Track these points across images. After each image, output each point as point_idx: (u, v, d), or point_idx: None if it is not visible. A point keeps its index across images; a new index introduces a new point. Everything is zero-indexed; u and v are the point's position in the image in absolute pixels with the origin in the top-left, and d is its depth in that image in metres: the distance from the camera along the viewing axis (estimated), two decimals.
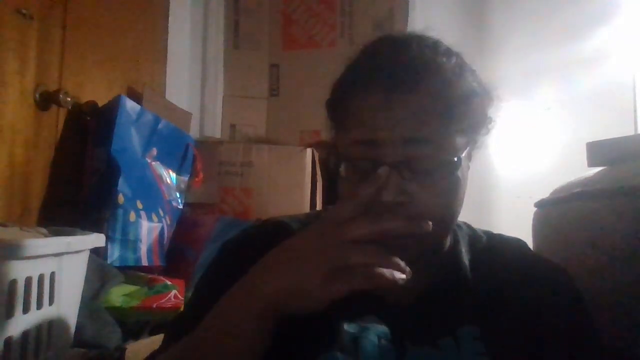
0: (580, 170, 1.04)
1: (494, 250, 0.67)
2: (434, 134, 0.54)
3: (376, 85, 0.55)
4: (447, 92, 0.55)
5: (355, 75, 0.59)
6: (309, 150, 1.65)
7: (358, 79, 0.58)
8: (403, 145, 0.54)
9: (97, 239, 0.86)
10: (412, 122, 0.54)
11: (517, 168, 1.84)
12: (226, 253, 0.70)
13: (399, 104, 0.54)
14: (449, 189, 0.57)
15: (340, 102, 0.60)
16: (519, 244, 0.69)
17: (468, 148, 0.59)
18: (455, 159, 0.55)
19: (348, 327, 0.59)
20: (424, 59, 0.56)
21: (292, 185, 1.61)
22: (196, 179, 1.56)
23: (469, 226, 0.71)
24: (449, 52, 0.59)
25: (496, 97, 0.61)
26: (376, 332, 0.59)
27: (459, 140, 0.57)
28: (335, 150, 0.61)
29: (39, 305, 0.71)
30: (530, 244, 0.72)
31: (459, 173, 0.57)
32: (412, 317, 0.61)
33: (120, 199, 1.17)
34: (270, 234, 0.68)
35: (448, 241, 0.65)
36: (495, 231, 0.72)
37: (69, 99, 1.16)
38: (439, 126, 0.55)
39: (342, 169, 0.58)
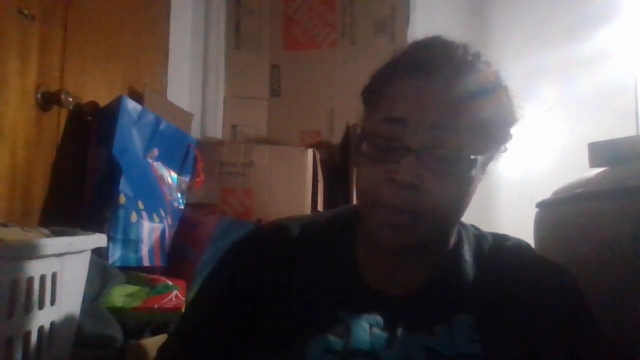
0: (582, 170, 1.04)
1: (499, 250, 0.68)
2: (460, 128, 0.57)
3: (418, 72, 0.58)
4: (481, 95, 0.58)
5: (400, 63, 0.62)
6: (310, 151, 1.65)
7: (402, 65, 0.61)
8: (428, 130, 0.56)
9: (98, 239, 0.86)
10: (442, 111, 0.56)
11: (518, 168, 1.84)
12: (228, 259, 0.71)
13: (435, 92, 0.57)
14: (460, 185, 0.58)
15: (379, 86, 0.62)
16: (523, 245, 0.69)
17: (485, 157, 0.61)
18: (473, 157, 0.57)
19: (341, 315, 0.62)
20: (466, 60, 0.60)
21: (293, 186, 1.61)
22: (197, 180, 1.56)
23: (475, 227, 0.72)
24: (488, 64, 0.62)
25: (521, 117, 0.64)
26: (368, 320, 0.62)
27: (481, 144, 0.59)
28: (362, 130, 0.63)
29: (41, 306, 0.71)
30: (531, 244, 0.73)
31: (473, 173, 0.58)
32: (410, 307, 0.63)
33: (122, 199, 1.17)
34: (271, 238, 0.69)
35: (452, 240, 0.66)
36: (496, 231, 0.72)
37: (70, 99, 1.16)
38: (467, 123, 0.57)
39: (364, 144, 0.60)
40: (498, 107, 0.61)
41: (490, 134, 0.60)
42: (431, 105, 0.56)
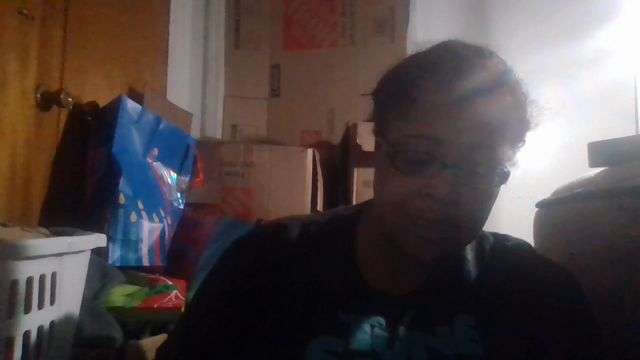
0: (582, 170, 1.04)
1: (500, 249, 0.68)
2: (497, 145, 0.57)
3: (453, 84, 0.56)
4: (515, 108, 0.59)
5: (429, 69, 0.59)
6: (309, 151, 1.65)
7: (433, 73, 0.58)
8: (466, 148, 0.56)
9: (98, 239, 0.86)
10: (481, 128, 0.56)
11: (518, 168, 1.83)
12: (227, 258, 0.71)
13: (473, 108, 0.56)
14: (490, 198, 0.59)
15: (407, 93, 0.59)
16: (524, 245, 0.70)
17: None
18: (507, 170, 0.58)
19: (342, 316, 0.62)
20: (500, 71, 0.59)
21: (293, 186, 1.61)
22: (197, 180, 1.56)
23: None
24: (512, 70, 0.62)
25: (536, 124, 0.64)
26: (369, 321, 0.62)
27: (510, 155, 0.60)
28: (386, 139, 0.61)
29: (40, 306, 0.71)
30: (531, 244, 0.73)
31: (503, 186, 0.59)
32: (411, 307, 0.63)
33: (122, 199, 1.17)
34: (271, 237, 0.69)
35: None
36: (496, 231, 0.72)
37: (70, 100, 1.15)
38: (502, 138, 0.57)
39: (396, 159, 0.58)
40: (525, 116, 0.61)
41: (515, 141, 0.61)
42: (469, 123, 0.56)
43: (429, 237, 0.57)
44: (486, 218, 0.61)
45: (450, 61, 0.59)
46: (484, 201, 0.58)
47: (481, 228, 0.63)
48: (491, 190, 0.59)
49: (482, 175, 0.57)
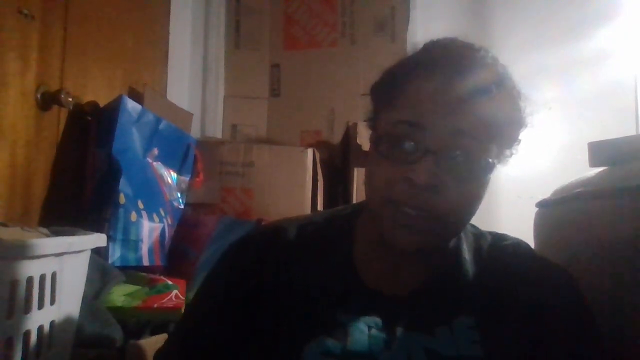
0: (582, 170, 1.04)
1: (498, 249, 0.68)
2: (481, 134, 0.56)
3: (439, 72, 0.57)
4: (501, 99, 0.58)
5: (418, 62, 0.60)
6: (310, 150, 1.65)
7: (421, 64, 0.59)
8: (449, 134, 0.56)
9: (98, 239, 0.86)
10: (464, 116, 0.56)
11: (518, 168, 1.83)
12: (225, 260, 0.71)
13: (457, 95, 0.56)
14: (475, 188, 0.58)
15: (396, 83, 0.60)
16: (522, 245, 0.69)
17: (499, 160, 0.61)
18: (491, 161, 0.58)
19: (340, 317, 0.62)
20: (486, 63, 0.59)
21: (293, 186, 1.61)
22: (197, 179, 1.56)
23: (473, 226, 0.72)
24: (505, 67, 0.63)
25: (531, 122, 0.63)
26: (366, 322, 0.61)
27: (497, 147, 0.59)
28: (377, 128, 0.62)
29: (40, 305, 0.71)
30: (531, 244, 0.73)
31: (489, 177, 0.59)
32: (409, 308, 0.63)
33: (122, 199, 1.17)
34: (268, 239, 0.69)
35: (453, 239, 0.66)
36: (495, 231, 0.72)
37: (70, 99, 1.15)
38: (486, 128, 0.57)
39: (381, 144, 0.59)
40: (514, 111, 0.61)
41: (505, 138, 0.60)
42: (452, 109, 0.56)
43: (412, 225, 0.57)
44: (472, 211, 0.60)
45: (437, 53, 0.60)
46: (468, 192, 0.58)
47: (466, 220, 0.63)
48: (476, 182, 0.58)
49: (464, 164, 0.56)
